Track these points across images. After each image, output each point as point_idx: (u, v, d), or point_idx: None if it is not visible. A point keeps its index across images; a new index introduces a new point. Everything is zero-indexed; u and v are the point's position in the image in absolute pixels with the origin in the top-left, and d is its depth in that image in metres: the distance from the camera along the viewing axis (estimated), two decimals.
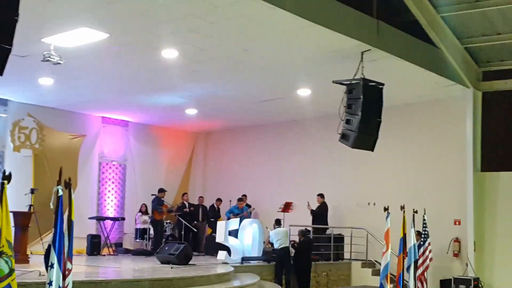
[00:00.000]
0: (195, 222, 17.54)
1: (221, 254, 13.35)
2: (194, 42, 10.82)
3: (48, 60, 10.14)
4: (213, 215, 17.84)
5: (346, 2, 10.60)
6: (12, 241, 5.15)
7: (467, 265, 13.85)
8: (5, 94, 15.11)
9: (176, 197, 18.43)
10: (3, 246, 5.00)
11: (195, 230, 17.01)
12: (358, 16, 10.93)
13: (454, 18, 12.70)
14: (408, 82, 13.56)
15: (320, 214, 15.88)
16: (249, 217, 16.50)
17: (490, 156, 14.23)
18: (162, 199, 16.86)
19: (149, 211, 16.87)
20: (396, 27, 11.91)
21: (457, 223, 14.42)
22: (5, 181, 5.08)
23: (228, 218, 16.20)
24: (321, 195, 16.07)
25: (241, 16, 9.59)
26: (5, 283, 5.01)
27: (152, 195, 16.71)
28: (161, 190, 17.06)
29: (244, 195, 17.74)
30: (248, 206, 17.52)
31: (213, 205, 18.15)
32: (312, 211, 15.88)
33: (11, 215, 5.22)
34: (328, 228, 15.92)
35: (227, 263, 12.90)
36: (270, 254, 13.95)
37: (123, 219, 17.64)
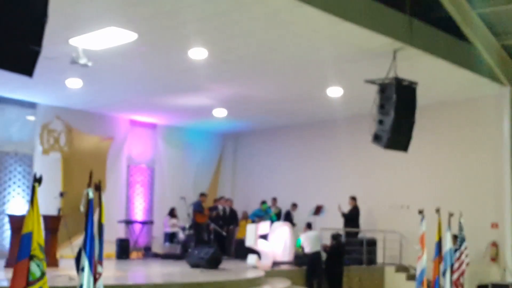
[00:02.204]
0: (230, 226, 17.26)
1: (251, 258, 13.17)
2: (222, 41, 10.73)
3: (76, 62, 10.10)
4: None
5: None
6: (43, 245, 5.07)
7: (505, 270, 13.50)
8: (33, 97, 15.17)
9: (207, 200, 18.25)
10: (34, 250, 4.98)
11: (225, 234, 16.81)
12: (390, 12, 10.74)
13: (490, 14, 12.43)
14: (442, 81, 13.28)
15: (352, 217, 15.64)
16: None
17: None
18: (203, 203, 16.82)
19: (179, 214, 16.76)
20: (430, 24, 11.69)
21: (494, 226, 14.04)
22: (36, 184, 5.05)
23: (253, 221, 16.00)
24: (353, 198, 15.84)
25: (269, 14, 9.48)
26: (36, 286, 4.98)
27: (181, 198, 16.58)
28: (202, 194, 17.10)
29: (274, 198, 17.53)
30: (269, 208, 17.23)
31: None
32: (344, 214, 15.64)
33: (41, 219, 5.14)
34: (360, 232, 15.64)
35: (257, 268, 12.72)
36: (301, 258, 13.71)
37: (152, 222, 17.57)
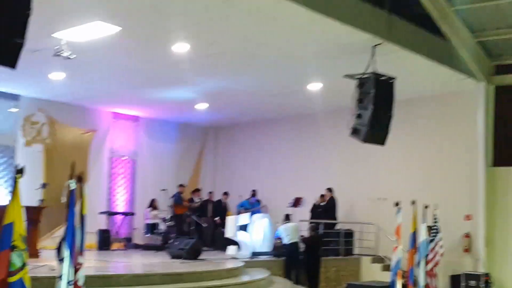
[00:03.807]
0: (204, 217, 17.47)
1: (231, 249, 13.33)
2: (205, 35, 10.83)
3: (59, 55, 10.15)
4: (219, 209, 17.66)
5: None
6: (25, 235, 5.14)
7: (477, 260, 13.80)
8: (16, 89, 15.15)
9: (186, 191, 18.37)
10: (15, 240, 5.00)
11: (204, 224, 16.97)
12: (369, 9, 10.89)
13: (467, 11, 12.61)
14: (420, 76, 13.49)
15: (328, 208, 15.80)
16: (259, 212, 16.46)
17: (502, 151, 14.13)
18: (182, 194, 17.00)
19: (159, 206, 16.90)
20: (408, 20, 11.85)
21: (468, 218, 14.33)
22: (18, 175, 5.07)
23: (239, 212, 16.18)
24: (329, 189, 16.01)
25: (252, 10, 9.59)
26: (17, 276, 5.00)
27: (162, 190, 16.71)
28: (181, 185, 17.38)
29: (254, 190, 17.67)
30: (258, 201, 17.48)
31: (220, 199, 18.05)
32: (319, 206, 15.78)
33: (23, 209, 5.21)
34: (337, 223, 15.87)
35: (236, 258, 12.89)
36: (280, 249, 13.92)
37: (133, 214, 17.67)
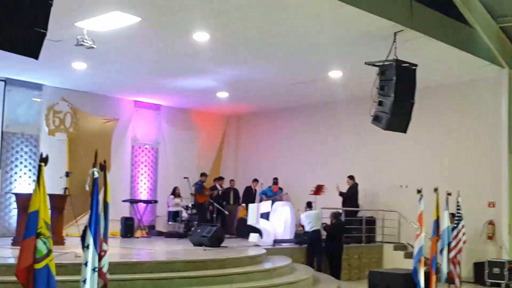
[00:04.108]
0: (224, 203, 17.61)
1: (253, 237, 13.41)
2: (224, 25, 10.83)
3: (81, 45, 10.25)
4: (248, 196, 17.78)
5: None
6: (50, 223, 5.23)
7: (501, 247, 13.71)
8: (39, 79, 15.33)
9: (208, 180, 18.49)
10: (41, 228, 5.06)
11: (227, 212, 17.10)
12: None
13: None
14: (442, 63, 13.36)
15: (350, 196, 15.80)
16: (281, 200, 16.51)
17: None
18: (204, 183, 17.20)
19: (182, 194, 17.05)
20: (429, 6, 11.71)
21: (491, 205, 14.22)
22: (43, 164, 5.14)
23: (261, 200, 16.23)
24: (351, 177, 15.97)
25: None
26: (43, 263, 5.07)
27: (184, 178, 16.85)
28: (203, 174, 17.58)
29: (276, 178, 17.70)
30: (281, 189, 17.51)
31: (250, 186, 18.12)
32: (341, 193, 15.80)
33: (47, 197, 5.29)
34: (359, 211, 15.86)
35: (259, 246, 12.96)
36: (302, 236, 13.96)
37: (156, 202, 17.82)
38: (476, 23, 12.54)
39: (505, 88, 13.92)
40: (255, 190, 18.05)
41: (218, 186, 17.79)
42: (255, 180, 18.12)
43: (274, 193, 17.20)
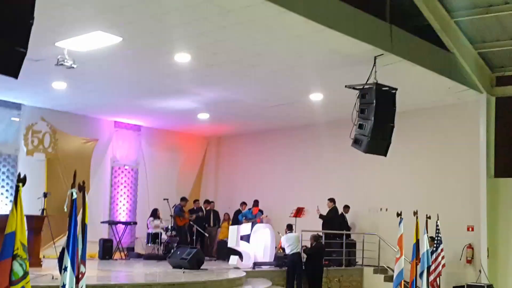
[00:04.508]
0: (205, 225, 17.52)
1: (233, 259, 13.33)
2: (206, 46, 10.86)
3: (61, 64, 10.21)
4: (236, 220, 17.42)
5: (358, 6, 10.57)
6: (27, 244, 5.15)
7: (480, 271, 13.75)
8: (18, 98, 15.21)
9: (188, 202, 18.39)
10: (17, 249, 5.00)
11: (207, 235, 17.00)
12: (371, 20, 10.92)
13: (468, 22, 12.69)
14: (421, 87, 13.51)
15: (330, 219, 15.78)
16: (261, 222, 16.44)
17: (504, 162, 14.14)
18: (183, 207, 17.31)
19: (161, 216, 16.93)
20: (409, 31, 11.90)
21: (470, 229, 14.32)
22: (20, 184, 5.09)
23: (241, 222, 16.15)
24: (331, 200, 15.99)
25: (253, 20, 9.61)
26: (19, 285, 5.00)
27: (164, 199, 16.74)
28: (183, 199, 17.60)
29: (256, 200, 17.63)
30: (261, 212, 17.45)
31: (239, 209, 17.88)
32: (321, 216, 15.78)
33: (24, 218, 5.21)
34: (339, 234, 15.84)
35: (238, 268, 12.88)
36: (282, 259, 13.91)
37: (135, 223, 17.66)
38: (454, 49, 12.73)
39: (483, 112, 14.11)
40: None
41: (196, 209, 17.76)
42: (243, 203, 17.84)
43: (254, 216, 17.11)
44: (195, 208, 17.87)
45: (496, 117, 14.24)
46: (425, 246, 11.13)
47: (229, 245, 13.88)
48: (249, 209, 17.36)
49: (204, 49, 11.04)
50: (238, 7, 9.04)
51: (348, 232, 15.80)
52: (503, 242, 13.87)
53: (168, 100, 15.02)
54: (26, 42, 6.50)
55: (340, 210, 16.04)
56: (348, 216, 16.13)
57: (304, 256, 13.83)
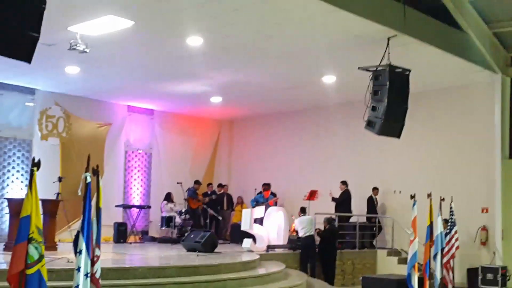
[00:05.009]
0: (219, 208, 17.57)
1: (247, 242, 13.37)
2: (218, 29, 10.82)
3: (74, 49, 10.22)
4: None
5: None
6: (42, 228, 5.19)
7: (494, 253, 13.72)
8: (32, 83, 15.28)
9: (202, 185, 18.43)
10: (32, 233, 5.06)
11: (220, 218, 17.06)
12: (383, 0, 10.79)
13: (482, 2, 12.50)
14: (435, 68, 13.39)
15: (342, 201, 15.77)
16: (274, 205, 16.41)
17: None
18: (197, 190, 17.35)
19: (174, 199, 17.00)
20: (423, 12, 11.74)
21: (484, 211, 14.23)
22: (35, 168, 5.12)
23: (253, 207, 16.15)
24: (343, 183, 15.93)
25: (265, 2, 9.54)
26: (35, 269, 5.07)
27: (178, 183, 16.79)
28: (197, 182, 17.62)
29: (268, 184, 17.49)
30: (273, 195, 17.41)
31: (260, 191, 17.55)
32: (334, 199, 15.76)
33: (39, 202, 5.26)
34: (352, 216, 15.84)
35: (252, 251, 12.93)
36: (295, 242, 13.94)
37: (149, 207, 17.77)
38: (469, 29, 12.56)
39: (498, 93, 13.95)
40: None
41: (210, 192, 17.79)
42: (266, 184, 17.13)
43: (266, 199, 17.06)
44: (208, 192, 17.94)
45: (511, 97, 14.07)
46: (439, 228, 11.10)
47: (243, 228, 13.90)
48: (259, 193, 17.32)
49: (216, 32, 11.00)
50: None
51: (360, 215, 15.76)
52: None
53: (180, 83, 15.02)
54: (38, 27, 6.54)
55: (367, 193, 15.89)
56: (360, 198, 16.05)
57: (317, 238, 13.85)
